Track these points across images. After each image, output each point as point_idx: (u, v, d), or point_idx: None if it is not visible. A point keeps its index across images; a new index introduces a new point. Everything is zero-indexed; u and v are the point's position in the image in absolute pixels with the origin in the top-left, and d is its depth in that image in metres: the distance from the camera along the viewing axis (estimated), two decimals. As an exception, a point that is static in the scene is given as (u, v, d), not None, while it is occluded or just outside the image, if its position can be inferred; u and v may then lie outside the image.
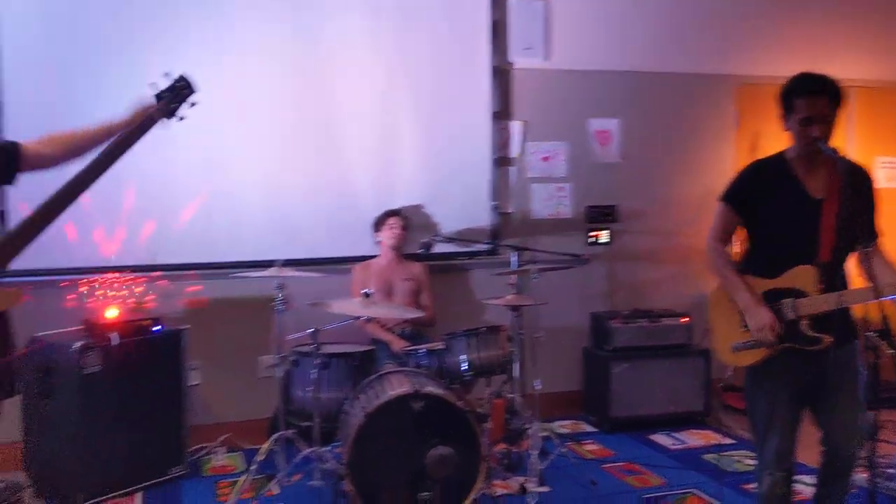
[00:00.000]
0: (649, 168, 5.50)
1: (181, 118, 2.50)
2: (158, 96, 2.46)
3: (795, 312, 2.68)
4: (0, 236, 2.04)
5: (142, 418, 4.00)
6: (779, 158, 2.81)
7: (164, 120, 2.48)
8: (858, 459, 2.78)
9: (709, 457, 4.46)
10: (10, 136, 4.13)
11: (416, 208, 4.96)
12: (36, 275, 4.24)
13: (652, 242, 5.51)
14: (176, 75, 2.51)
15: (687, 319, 5.09)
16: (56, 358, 3.82)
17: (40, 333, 3.97)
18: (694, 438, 4.80)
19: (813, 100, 2.63)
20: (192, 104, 2.52)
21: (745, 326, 2.77)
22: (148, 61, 4.43)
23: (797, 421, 2.80)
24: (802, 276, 2.69)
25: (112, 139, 2.35)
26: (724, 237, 2.88)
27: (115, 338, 3.85)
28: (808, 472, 3.09)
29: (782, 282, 2.73)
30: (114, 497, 3.88)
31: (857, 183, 2.68)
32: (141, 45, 4.45)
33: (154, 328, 4.07)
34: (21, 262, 4.02)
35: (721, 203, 2.88)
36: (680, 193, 5.52)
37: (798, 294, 2.69)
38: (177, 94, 2.48)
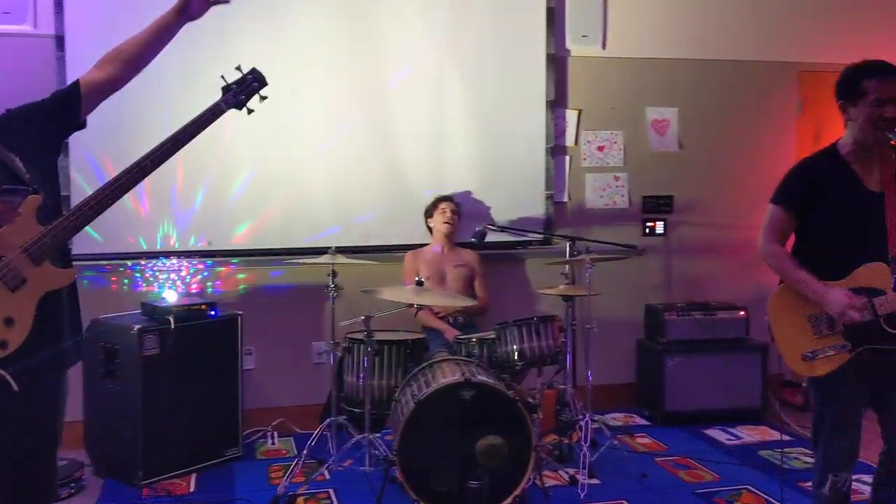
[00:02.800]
0: (708, 158, 5.39)
1: (250, 111, 2.52)
2: (226, 88, 2.48)
3: (873, 312, 2.56)
4: (58, 220, 2.08)
5: (199, 401, 4.08)
6: (830, 153, 2.69)
7: (234, 111, 2.49)
8: None
9: (765, 453, 4.37)
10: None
11: (469, 196, 4.94)
12: (97, 259, 4.37)
13: (709, 234, 5.41)
14: (247, 68, 2.52)
15: (744, 313, 4.98)
16: (117, 340, 3.92)
17: (102, 316, 4.08)
18: (750, 434, 4.71)
19: (888, 80, 2.53)
20: (263, 98, 2.54)
21: (817, 333, 2.65)
22: (204, 48, 4.52)
23: (861, 421, 2.71)
24: (876, 273, 2.57)
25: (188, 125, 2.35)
26: (781, 240, 2.75)
27: (172, 321, 3.93)
28: (869, 471, 2.99)
29: (854, 281, 2.60)
30: (171, 477, 3.97)
31: None
32: (197, 33, 4.51)
33: (210, 313, 4.14)
34: (83, 246, 4.19)
35: (774, 205, 2.74)
36: (739, 184, 5.39)
37: (874, 293, 2.58)
38: (246, 87, 2.51)
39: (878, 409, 2.72)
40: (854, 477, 2.74)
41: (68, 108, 2.31)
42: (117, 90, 2.41)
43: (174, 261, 4.33)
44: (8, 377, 1.96)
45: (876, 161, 2.61)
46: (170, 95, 4.37)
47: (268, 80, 2.57)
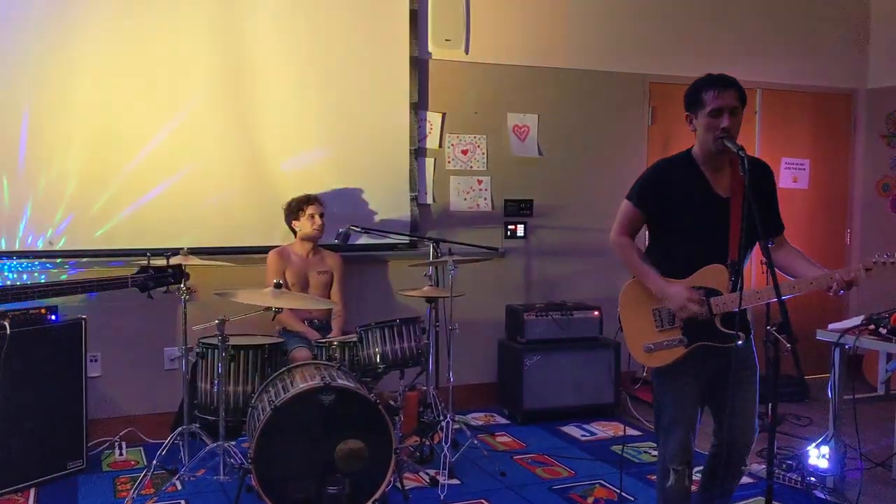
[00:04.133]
0: (565, 164, 5.55)
1: (150, 296, 2.74)
2: (143, 269, 2.65)
3: (709, 311, 2.71)
4: None
5: (38, 410, 3.83)
6: (685, 157, 2.81)
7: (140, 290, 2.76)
8: (747, 456, 2.88)
9: (616, 448, 4.54)
10: None
11: (333, 197, 4.86)
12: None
13: (566, 237, 5.57)
14: (172, 265, 2.83)
15: (597, 313, 5.16)
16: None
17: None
18: (603, 430, 4.88)
19: (722, 91, 2.65)
20: (167, 289, 2.79)
21: (659, 327, 2.79)
22: (51, 35, 4.26)
23: (699, 415, 2.86)
24: (715, 274, 2.72)
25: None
26: (629, 234, 2.89)
27: (7, 326, 3.64)
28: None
29: (694, 280, 2.73)
30: (7, 493, 3.70)
31: (759, 179, 2.72)
32: (44, 19, 4.25)
33: (50, 317, 3.88)
34: None
35: (627, 201, 2.87)
36: (594, 189, 5.58)
37: (711, 293, 2.72)
38: (161, 279, 2.64)
39: (713, 409, 2.88)
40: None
41: None
42: None
43: (12, 262, 4.04)
44: None
45: (727, 168, 2.75)
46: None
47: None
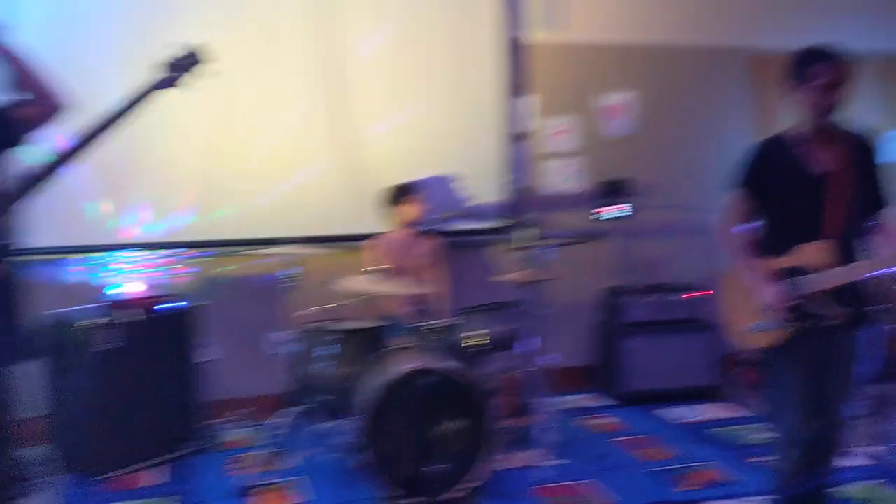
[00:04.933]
0: (665, 142, 5.45)
1: (186, 88, 2.53)
2: (161, 66, 2.49)
3: (804, 290, 2.66)
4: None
5: (158, 393, 4.07)
6: (778, 136, 2.77)
7: (169, 90, 2.52)
8: (840, 447, 2.78)
9: (719, 430, 4.46)
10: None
11: (429, 183, 4.94)
12: (51, 252, 4.32)
13: (666, 216, 5.48)
14: (183, 47, 2.53)
15: (699, 294, 5.07)
16: (74, 335, 3.88)
17: (57, 310, 4.03)
18: (706, 412, 4.80)
19: (835, 65, 2.57)
20: (200, 76, 2.55)
21: (764, 308, 2.76)
22: (154, 30, 4.46)
23: (814, 397, 2.77)
24: (809, 252, 2.66)
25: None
26: (738, 221, 2.87)
27: (128, 315, 3.90)
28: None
29: (790, 260, 2.69)
30: (132, 471, 3.96)
31: (861, 154, 2.63)
32: (146, 11, 4.48)
33: (168, 305, 4.12)
34: (39, 240, 4.13)
35: (732, 190, 2.85)
36: (695, 167, 5.46)
37: (806, 271, 2.66)
38: (181, 65, 2.52)
39: (815, 391, 2.80)
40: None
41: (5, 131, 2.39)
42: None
43: (131, 253, 4.30)
44: None
45: (826, 143, 2.67)
46: (113, 67, 4.31)
47: (212, 56, 2.56)
